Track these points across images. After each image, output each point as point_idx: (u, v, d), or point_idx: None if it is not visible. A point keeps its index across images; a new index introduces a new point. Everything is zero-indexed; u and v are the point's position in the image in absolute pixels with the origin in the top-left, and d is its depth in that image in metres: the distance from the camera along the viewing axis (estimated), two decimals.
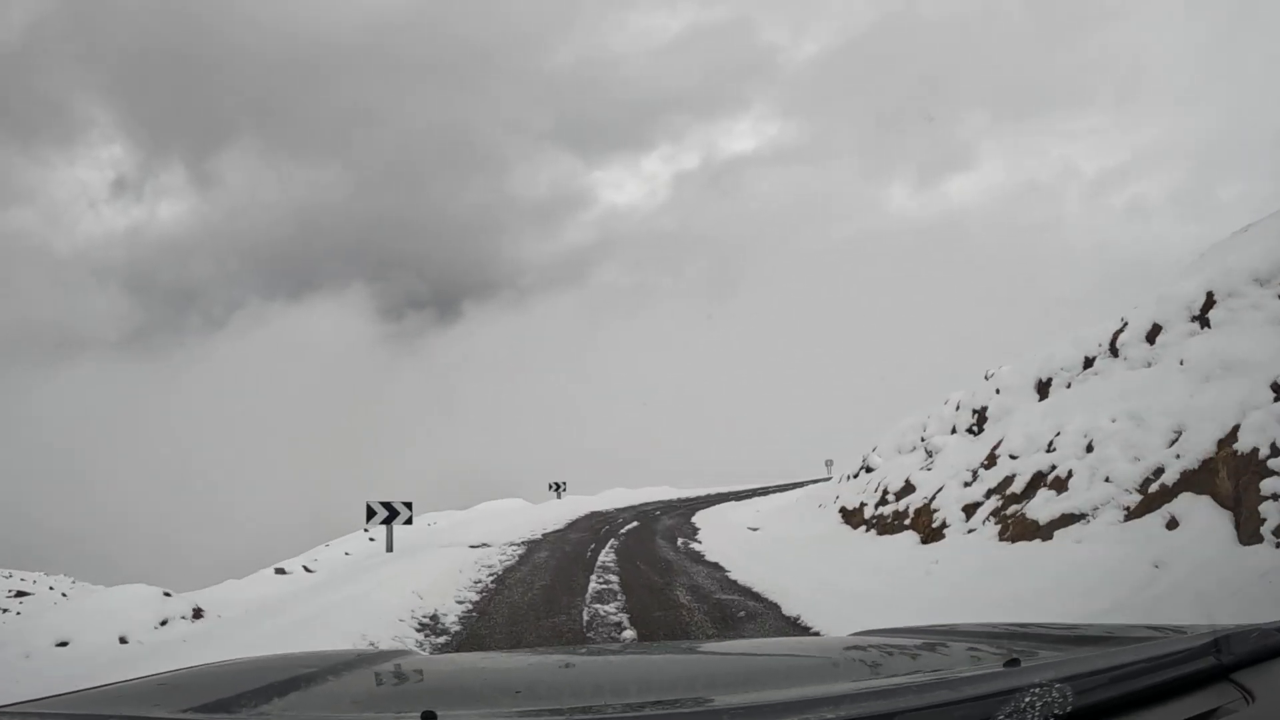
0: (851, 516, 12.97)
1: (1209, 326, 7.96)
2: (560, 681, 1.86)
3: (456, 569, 10.54)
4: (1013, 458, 9.57)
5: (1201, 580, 5.34)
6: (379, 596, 8.26)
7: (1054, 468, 8.52)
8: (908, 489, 11.74)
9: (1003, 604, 6.33)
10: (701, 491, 27.14)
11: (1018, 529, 8.36)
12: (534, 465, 59.89)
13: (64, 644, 6.67)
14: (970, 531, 9.43)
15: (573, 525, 17.27)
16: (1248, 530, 5.75)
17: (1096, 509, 7.49)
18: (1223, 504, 6.18)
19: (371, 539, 15.37)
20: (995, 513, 9.18)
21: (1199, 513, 6.34)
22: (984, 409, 11.49)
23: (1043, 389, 10.38)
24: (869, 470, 14.09)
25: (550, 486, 26.17)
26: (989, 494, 9.59)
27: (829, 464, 34.64)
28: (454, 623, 7.75)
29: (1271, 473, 5.75)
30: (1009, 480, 9.28)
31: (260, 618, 7.81)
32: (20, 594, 20.78)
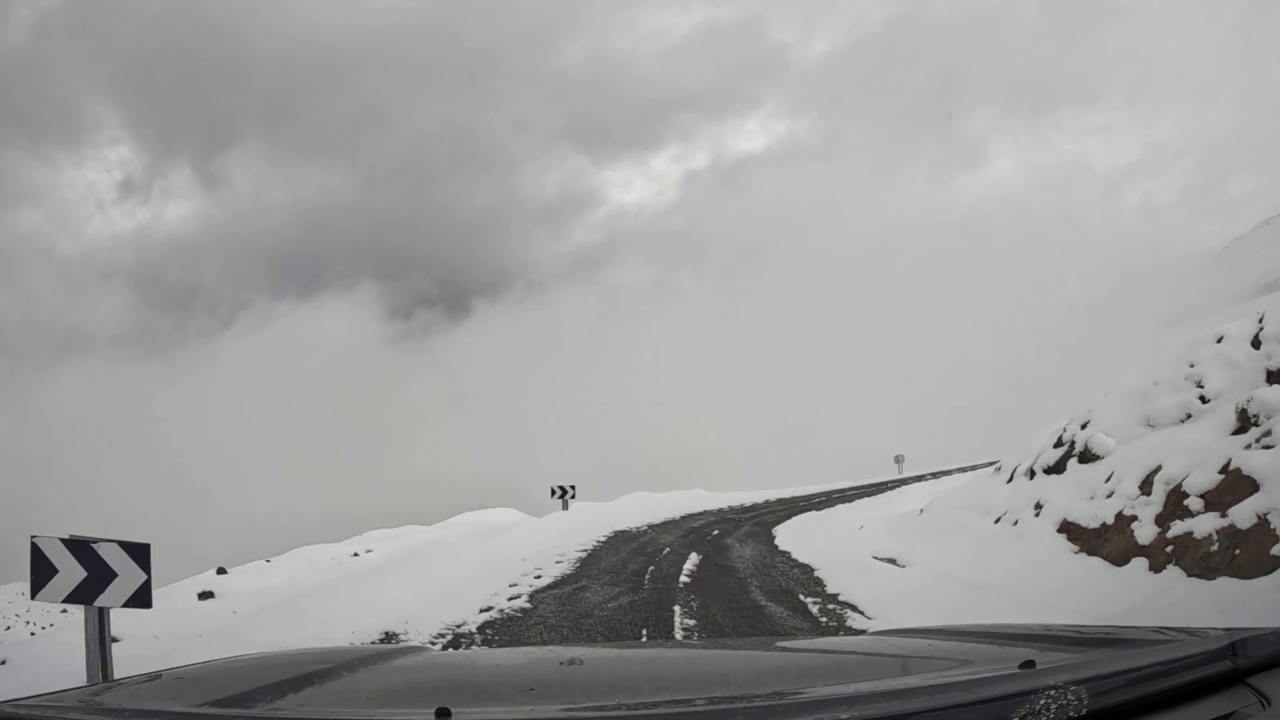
0: (1095, 539, 7.39)
1: None
2: (574, 679, 1.85)
3: None
4: None
5: None
6: None
7: None
8: (1234, 486, 6.20)
9: None
10: (746, 498, 21.36)
11: None
12: (541, 467, 54.02)
13: None
14: None
15: (588, 564, 10.68)
16: None
17: None
18: None
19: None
20: None
21: None
22: None
23: None
24: (1084, 459, 8.54)
25: (554, 492, 20.02)
26: None
27: (899, 460, 28.99)
28: None
29: None
30: None
31: None
32: None
